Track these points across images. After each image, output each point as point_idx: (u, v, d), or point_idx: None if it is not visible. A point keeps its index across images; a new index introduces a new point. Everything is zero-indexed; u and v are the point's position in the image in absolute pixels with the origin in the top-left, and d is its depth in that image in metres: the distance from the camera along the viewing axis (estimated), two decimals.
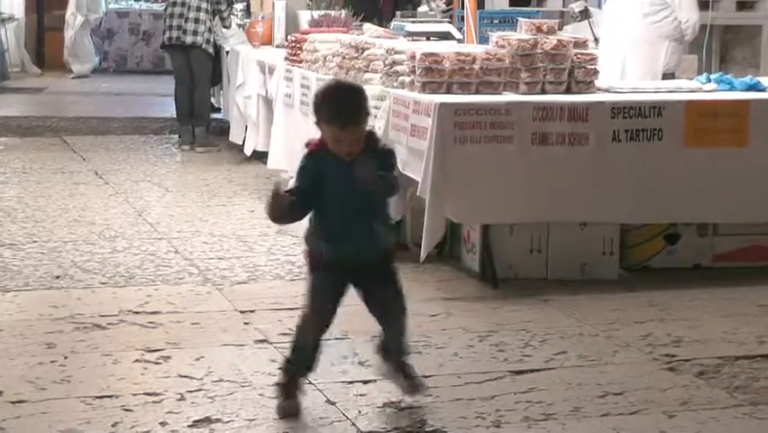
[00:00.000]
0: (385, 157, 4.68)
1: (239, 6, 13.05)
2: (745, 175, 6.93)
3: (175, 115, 12.74)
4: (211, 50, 12.24)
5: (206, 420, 4.61)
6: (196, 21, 12.08)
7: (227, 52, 12.27)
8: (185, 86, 12.36)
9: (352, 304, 5.46)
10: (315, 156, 4.67)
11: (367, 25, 9.61)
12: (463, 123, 6.55)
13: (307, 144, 4.74)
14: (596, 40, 9.15)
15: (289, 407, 4.70)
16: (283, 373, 4.78)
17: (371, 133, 4.73)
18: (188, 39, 12.11)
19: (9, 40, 19.48)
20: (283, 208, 4.60)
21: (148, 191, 9.73)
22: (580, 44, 7.10)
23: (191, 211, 8.88)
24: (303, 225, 4.78)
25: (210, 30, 12.16)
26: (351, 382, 5.03)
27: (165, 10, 12.47)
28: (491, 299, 6.52)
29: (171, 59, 12.87)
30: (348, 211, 4.64)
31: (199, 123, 12.38)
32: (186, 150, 12.17)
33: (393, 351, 4.82)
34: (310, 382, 4.95)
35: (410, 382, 4.81)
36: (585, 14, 9.78)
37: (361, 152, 4.58)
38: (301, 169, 4.71)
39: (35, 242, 7.76)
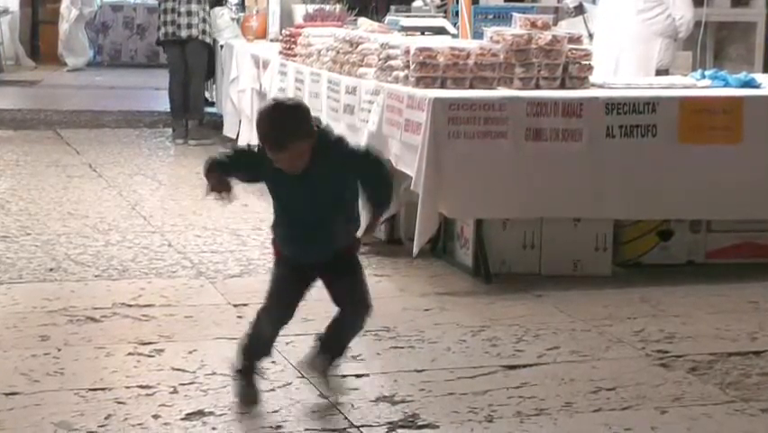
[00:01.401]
0: (348, 157, 4.53)
1: (233, 0, 13.04)
2: (739, 172, 6.92)
3: (169, 109, 12.73)
4: (208, 39, 12.22)
5: (199, 413, 4.61)
6: (189, 13, 12.07)
7: (221, 46, 12.26)
8: (179, 79, 12.35)
9: None
10: (265, 157, 4.47)
11: (362, 20, 9.62)
12: (457, 118, 6.55)
13: None
14: (590, 36, 9.15)
15: (249, 393, 4.70)
16: (241, 360, 4.75)
17: (322, 133, 4.51)
18: (184, 33, 12.10)
19: (3, 33, 19.48)
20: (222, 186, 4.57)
21: (141, 185, 9.72)
22: (574, 40, 7.10)
23: (185, 205, 8.88)
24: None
25: (204, 20, 12.13)
26: (343, 377, 5.01)
27: (159, 5, 12.47)
28: (484, 294, 6.52)
29: (167, 54, 12.85)
30: (299, 217, 4.55)
31: (193, 116, 12.37)
32: (179, 143, 12.16)
33: (334, 344, 4.76)
34: (303, 376, 4.96)
35: (332, 380, 4.78)
36: (580, 10, 9.77)
37: (312, 158, 4.42)
38: (247, 152, 4.68)
39: (29, 234, 7.76)
